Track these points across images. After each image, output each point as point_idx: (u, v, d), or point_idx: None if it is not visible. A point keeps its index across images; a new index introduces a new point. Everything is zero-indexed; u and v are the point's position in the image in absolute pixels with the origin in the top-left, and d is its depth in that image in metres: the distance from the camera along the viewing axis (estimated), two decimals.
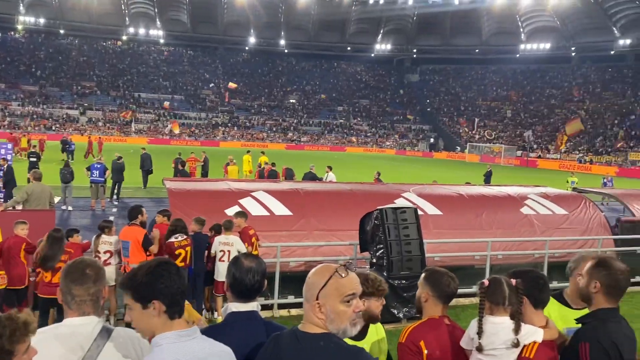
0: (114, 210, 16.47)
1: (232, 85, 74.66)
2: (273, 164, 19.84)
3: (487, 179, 24.74)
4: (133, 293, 2.02)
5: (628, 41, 71.66)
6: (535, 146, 65.82)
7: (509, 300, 2.60)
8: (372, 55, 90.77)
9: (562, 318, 2.98)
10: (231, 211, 8.81)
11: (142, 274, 2.02)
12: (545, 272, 9.80)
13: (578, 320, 2.69)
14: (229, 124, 74.91)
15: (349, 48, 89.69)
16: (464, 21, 79.41)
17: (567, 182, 24.19)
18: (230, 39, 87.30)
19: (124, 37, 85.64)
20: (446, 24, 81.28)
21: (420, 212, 10.76)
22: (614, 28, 72.16)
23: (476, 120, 74.24)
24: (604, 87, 74.58)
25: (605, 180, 25.14)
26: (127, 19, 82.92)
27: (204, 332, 2.20)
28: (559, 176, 33.38)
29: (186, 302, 2.69)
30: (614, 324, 2.55)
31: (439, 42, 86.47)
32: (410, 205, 9.59)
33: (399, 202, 10.64)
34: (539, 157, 60.62)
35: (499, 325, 2.60)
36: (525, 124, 73.29)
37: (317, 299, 1.98)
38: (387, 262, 7.67)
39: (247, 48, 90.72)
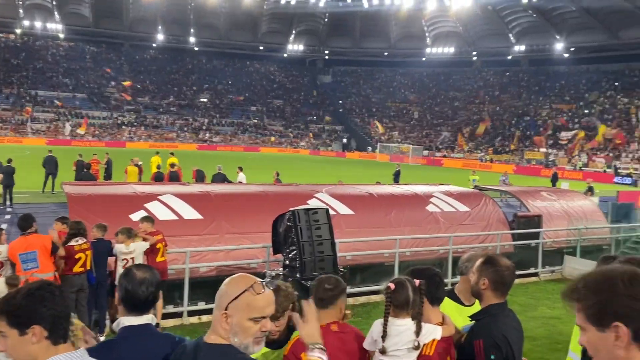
0: (7, 217, 15.20)
1: (126, 83, 71.76)
2: (172, 165, 19.24)
3: (396, 178, 25.58)
4: (9, 318, 1.81)
5: (523, 47, 77.16)
6: (440, 146, 69.12)
7: (413, 303, 2.64)
8: (285, 55, 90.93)
9: (457, 314, 3.09)
10: (136, 216, 8.41)
11: (21, 296, 1.83)
12: (449, 267, 10.27)
13: (472, 317, 2.80)
14: (136, 124, 71.92)
15: (261, 47, 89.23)
16: (373, 25, 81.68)
17: (470, 180, 25.57)
18: (136, 35, 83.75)
19: (18, 31, 79.47)
20: (356, 26, 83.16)
21: (332, 212, 10.89)
22: (510, 35, 77.42)
23: (375, 121, 76.59)
24: (502, 90, 79.84)
25: (503, 178, 26.86)
26: (21, 10, 76.99)
27: (97, 349, 2.05)
28: (462, 174, 35.20)
29: (76, 320, 2.49)
30: (504, 318, 2.68)
31: (350, 44, 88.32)
32: (323, 205, 9.64)
33: (312, 203, 10.68)
34: (444, 156, 63.70)
35: (402, 327, 2.63)
36: (432, 125, 76.82)
37: (225, 309, 1.88)
38: (299, 263, 7.66)
39: (154, 45, 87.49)
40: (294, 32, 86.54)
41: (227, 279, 1.97)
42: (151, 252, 7.36)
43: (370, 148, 71.40)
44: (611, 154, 53.44)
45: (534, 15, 72.34)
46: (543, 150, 58.90)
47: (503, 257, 2.90)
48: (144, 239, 7.34)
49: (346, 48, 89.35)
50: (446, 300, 3.16)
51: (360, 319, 8.40)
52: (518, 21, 75.04)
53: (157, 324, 3.09)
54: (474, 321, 2.80)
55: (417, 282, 2.69)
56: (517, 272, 11.90)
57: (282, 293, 2.69)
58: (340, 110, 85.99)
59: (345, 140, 78.39)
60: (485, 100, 78.26)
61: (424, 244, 11.15)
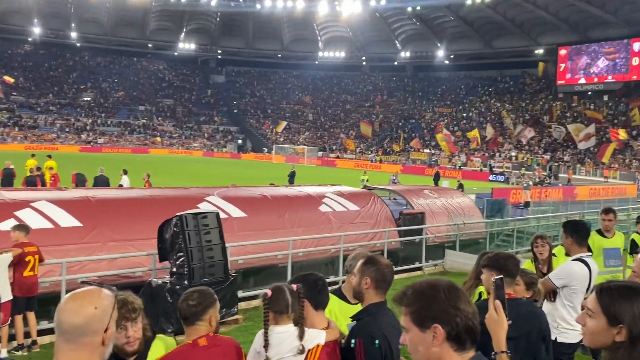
0: None
1: (7, 79, 65.55)
2: (38, 168, 17.89)
3: (291, 179, 25.78)
4: None
5: (408, 54, 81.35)
6: (334, 147, 70.81)
7: (292, 307, 2.64)
8: (176, 54, 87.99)
9: (342, 314, 3.15)
10: (6, 225, 7.66)
11: None
12: (341, 265, 10.52)
13: (352, 318, 2.85)
14: (9, 124, 65.83)
15: (150, 45, 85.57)
16: (266, 26, 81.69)
17: (361, 180, 26.46)
18: (8, 28, 76.46)
19: None
20: (249, 27, 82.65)
21: (224, 215, 10.70)
22: (397, 41, 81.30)
23: (269, 122, 77.02)
24: (390, 93, 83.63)
25: (393, 177, 28.10)
26: None
27: None
28: (355, 174, 36.32)
29: None
30: (383, 317, 2.75)
31: (243, 44, 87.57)
32: (213, 209, 9.43)
33: (203, 207, 10.40)
34: (338, 157, 65.35)
35: (283, 334, 2.62)
36: (325, 127, 78.51)
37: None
38: (188, 270, 7.42)
39: (30, 39, 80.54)
40: (184, 30, 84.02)
41: (77, 303, 1.64)
42: (18, 265, 6.73)
43: (266, 149, 71.35)
44: (487, 154, 58.02)
45: (418, 24, 76.56)
46: (426, 150, 62.48)
47: (381, 256, 3.00)
48: (5, 251, 6.70)
49: (240, 48, 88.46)
50: (332, 298, 3.21)
51: (252, 322, 8.35)
52: (403, 28, 79.00)
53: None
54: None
55: (294, 286, 2.69)
56: (404, 267, 12.47)
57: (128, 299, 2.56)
58: (235, 111, 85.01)
59: (240, 142, 77.63)
60: (375, 104, 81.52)
61: (317, 244, 11.31)
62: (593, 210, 18.31)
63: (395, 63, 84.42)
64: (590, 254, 4.13)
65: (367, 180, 25.61)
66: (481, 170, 51.43)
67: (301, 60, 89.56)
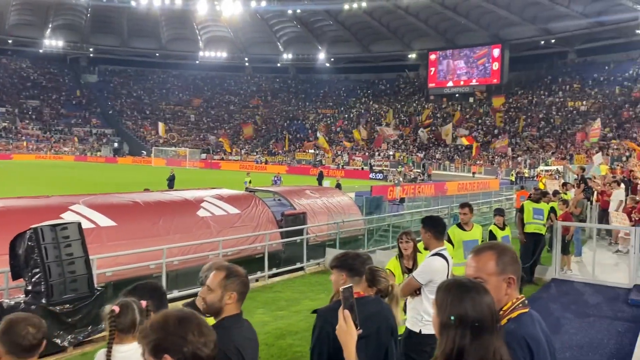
0: None
1: None
2: None
3: (171, 184, 24.81)
4: None
5: (290, 55, 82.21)
6: (218, 149, 69.52)
7: (139, 325, 2.44)
8: (41, 51, 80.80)
9: None
10: None
11: None
12: None
13: None
14: None
15: (10, 41, 77.75)
16: (143, 24, 77.94)
17: (244, 182, 26.19)
18: None
19: None
20: (123, 24, 78.31)
21: (91, 225, 9.97)
22: (279, 43, 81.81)
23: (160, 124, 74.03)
24: (273, 95, 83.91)
25: (275, 178, 28.15)
26: None
27: None
28: (239, 176, 35.88)
29: None
30: (237, 329, 2.62)
31: (118, 42, 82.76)
32: (76, 219, 8.71)
33: (67, 217, 9.60)
34: (222, 159, 64.25)
35: (128, 352, 2.42)
36: (208, 128, 76.79)
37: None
38: (45, 287, 6.75)
39: None
40: (50, 25, 77.48)
41: None
42: None
43: (144, 152, 68.08)
44: (367, 153, 60.41)
45: (299, 26, 77.69)
46: (311, 151, 63.61)
47: (236, 265, 2.87)
48: None
49: (114, 46, 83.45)
50: None
51: None
52: (285, 30, 79.73)
53: None
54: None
55: (143, 303, 2.50)
56: (286, 268, 12.43)
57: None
58: (110, 112, 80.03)
59: (116, 145, 73.40)
60: (259, 105, 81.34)
61: (195, 251, 10.93)
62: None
63: (278, 64, 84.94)
64: (445, 247, 4.35)
65: (250, 182, 25.39)
66: (362, 169, 53.42)
67: (181, 60, 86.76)
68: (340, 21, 72.83)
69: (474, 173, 48.87)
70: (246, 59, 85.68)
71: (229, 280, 2.63)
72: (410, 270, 5.00)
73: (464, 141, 53.52)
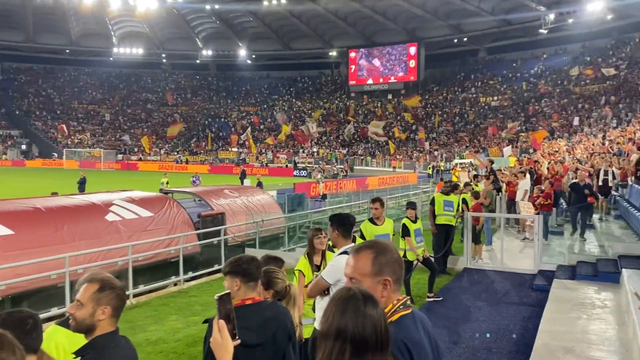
0: None
1: None
2: None
3: (82, 187, 23.47)
4: None
5: (210, 52, 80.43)
6: (136, 149, 66.84)
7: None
8: None
9: (74, 347, 2.69)
10: None
11: None
12: (130, 278, 9.73)
13: (75, 354, 2.39)
14: None
15: None
16: (50, 18, 73.24)
17: (161, 183, 25.24)
18: None
19: None
20: (29, 19, 73.21)
21: None
22: (197, 39, 79.78)
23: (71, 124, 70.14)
24: (194, 92, 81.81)
25: (193, 179, 27.37)
26: None
27: None
28: (158, 177, 34.60)
29: None
30: (112, 349, 2.36)
31: (22, 38, 77.26)
32: None
33: None
34: (140, 159, 61.84)
35: None
36: (125, 128, 73.60)
37: None
38: None
39: None
40: None
41: None
42: None
43: (56, 154, 64.13)
44: (291, 151, 60.39)
45: (218, 22, 76.15)
46: (235, 149, 62.69)
47: (112, 276, 2.60)
48: None
49: (18, 42, 77.78)
50: (59, 331, 2.74)
51: None
52: (203, 26, 77.89)
53: None
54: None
55: None
56: (203, 271, 12.06)
57: None
58: (17, 112, 74.62)
59: (24, 147, 68.62)
60: (178, 103, 79.00)
61: (103, 257, 10.31)
62: (382, 197, 20.05)
63: (198, 61, 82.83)
64: (353, 244, 4.28)
65: (168, 184, 24.51)
66: (286, 166, 53.30)
67: (94, 57, 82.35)
68: (261, 18, 72.23)
69: (394, 167, 50.16)
70: (163, 55, 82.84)
71: (103, 293, 2.38)
72: (319, 268, 4.92)
73: (396, 134, 54.84)
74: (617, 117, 41.17)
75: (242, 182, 30.11)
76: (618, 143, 24.37)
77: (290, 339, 2.97)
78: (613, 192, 15.25)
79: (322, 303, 4.24)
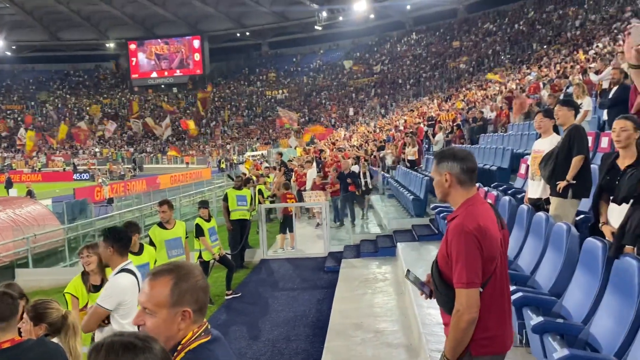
0: None
1: None
2: None
3: None
4: None
5: None
6: None
7: None
8: None
9: None
10: None
11: None
12: None
13: None
14: None
15: None
16: None
17: None
18: None
19: None
20: None
21: None
22: None
23: None
24: None
25: None
26: None
27: None
28: None
29: None
30: None
31: None
32: None
33: None
34: None
35: None
36: None
37: None
38: None
39: None
40: None
41: None
42: None
43: None
44: (69, 152, 54.65)
45: None
46: None
47: None
48: None
49: None
50: None
51: None
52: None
53: None
54: None
55: None
56: None
57: None
58: None
59: None
60: None
61: None
62: (175, 196, 19.33)
63: None
64: (130, 260, 3.87)
65: None
66: (64, 170, 48.02)
67: None
68: (19, 4, 63.38)
69: (187, 163, 48.98)
70: None
71: None
72: (98, 288, 4.36)
73: (184, 126, 53.17)
74: (384, 107, 46.44)
75: (7, 193, 26.18)
76: (387, 130, 27.46)
77: None
78: (385, 174, 17.09)
79: (101, 336, 3.75)
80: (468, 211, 2.33)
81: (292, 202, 11.95)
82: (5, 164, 51.17)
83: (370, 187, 14.09)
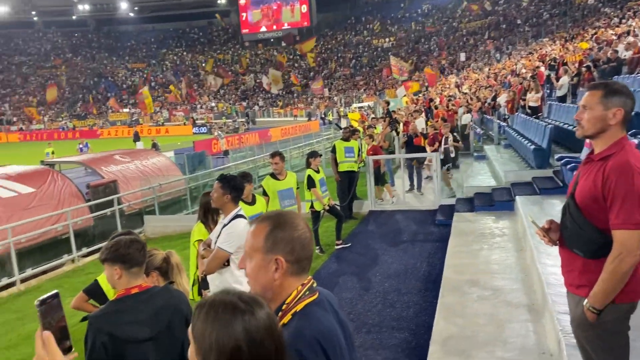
0: None
1: None
2: None
3: None
4: None
5: (87, 7, 73.77)
6: (15, 119, 60.85)
7: None
8: None
9: None
10: None
11: None
12: (14, 262, 8.78)
13: None
14: None
15: None
16: None
17: (46, 153, 23.17)
18: None
19: None
20: None
21: None
22: None
23: None
24: (74, 52, 75.17)
25: (80, 146, 25.38)
26: None
27: None
28: (41, 148, 31.77)
29: None
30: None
31: None
32: None
33: None
34: (21, 129, 56.53)
35: None
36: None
37: None
38: None
39: None
40: None
41: None
42: None
43: None
44: (188, 107, 57.99)
45: None
46: (126, 110, 59.04)
47: None
48: None
49: None
50: None
51: None
52: None
53: None
54: None
55: None
56: (100, 245, 11.25)
57: None
58: None
59: None
60: (58, 64, 72.38)
61: None
62: (285, 148, 19.78)
63: (74, 17, 75.77)
64: (240, 207, 3.91)
65: (53, 154, 22.53)
66: (184, 124, 51.17)
67: None
68: None
69: (295, 116, 49.86)
70: (33, 12, 74.83)
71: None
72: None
73: (294, 80, 54.18)
74: (499, 51, 43.41)
75: (135, 145, 28.43)
76: (502, 75, 25.67)
77: (187, 324, 2.61)
78: (501, 123, 16.05)
79: (220, 278, 3.87)
80: (631, 151, 2.17)
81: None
82: (133, 119, 55.55)
83: (451, 154, 12.00)
